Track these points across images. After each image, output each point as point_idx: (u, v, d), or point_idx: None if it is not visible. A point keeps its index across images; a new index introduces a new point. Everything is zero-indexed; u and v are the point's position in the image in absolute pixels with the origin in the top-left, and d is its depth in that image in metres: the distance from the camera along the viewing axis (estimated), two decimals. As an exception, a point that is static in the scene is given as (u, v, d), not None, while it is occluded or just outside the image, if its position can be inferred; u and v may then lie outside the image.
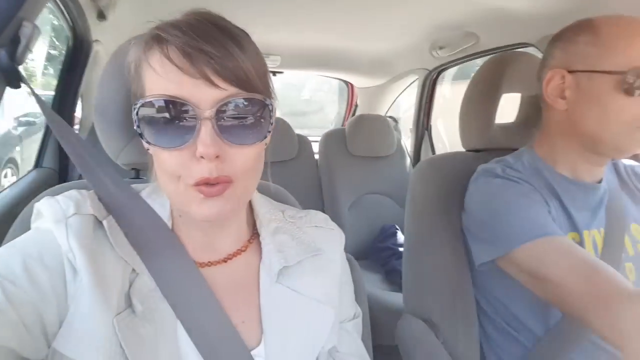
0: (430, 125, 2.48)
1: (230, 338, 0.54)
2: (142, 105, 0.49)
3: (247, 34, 0.54)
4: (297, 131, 2.32)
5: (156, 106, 0.48)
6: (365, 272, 2.06)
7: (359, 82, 2.80)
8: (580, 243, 0.82)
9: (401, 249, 2.09)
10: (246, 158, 0.51)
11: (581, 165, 0.86)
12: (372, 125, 2.30)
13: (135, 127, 0.50)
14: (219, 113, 0.48)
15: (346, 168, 2.29)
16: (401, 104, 2.94)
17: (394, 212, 2.33)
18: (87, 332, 0.46)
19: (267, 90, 0.54)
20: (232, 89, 0.48)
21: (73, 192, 0.55)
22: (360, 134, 2.28)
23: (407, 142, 2.66)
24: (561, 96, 0.83)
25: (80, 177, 1.85)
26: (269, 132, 0.53)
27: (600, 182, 0.89)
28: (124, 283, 0.51)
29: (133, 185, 0.62)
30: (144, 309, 0.50)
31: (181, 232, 0.59)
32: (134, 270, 0.53)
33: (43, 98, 0.65)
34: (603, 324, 0.63)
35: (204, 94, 0.47)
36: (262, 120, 0.51)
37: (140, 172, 0.79)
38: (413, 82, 2.53)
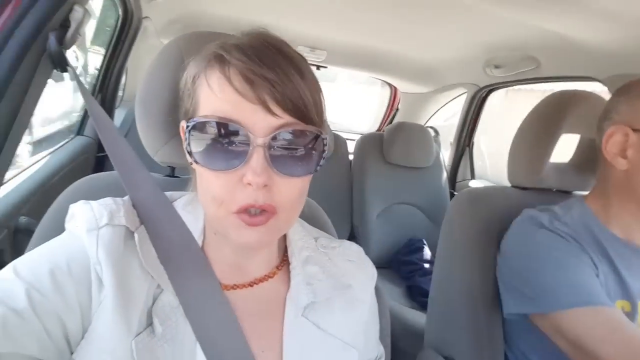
0: (473, 143, 2.41)
1: None
2: (196, 123, 0.48)
3: (305, 60, 0.52)
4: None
5: (210, 126, 0.47)
6: (385, 283, 2.04)
7: (404, 87, 2.74)
8: (632, 312, 0.77)
9: (426, 265, 2.06)
10: (293, 189, 0.50)
11: (637, 229, 0.80)
12: (411, 134, 2.24)
13: (185, 146, 0.49)
14: (273, 141, 0.47)
15: (380, 174, 2.25)
16: (442, 112, 2.86)
17: (424, 226, 2.28)
18: (104, 351, 0.46)
19: (321, 122, 0.52)
20: (288, 118, 0.47)
21: (108, 200, 0.54)
22: (398, 142, 2.23)
23: (445, 153, 2.59)
24: (622, 155, 0.78)
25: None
26: (320, 165, 0.52)
27: None
28: (147, 299, 0.50)
29: (168, 194, 0.61)
30: (164, 328, 0.50)
31: (211, 250, 0.58)
32: (159, 285, 0.52)
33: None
34: None
35: (260, 121, 0.46)
36: (314, 152, 0.50)
37: (175, 170, 0.78)
38: (460, 95, 2.45)
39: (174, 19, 1.81)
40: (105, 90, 1.81)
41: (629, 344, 0.65)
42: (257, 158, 0.46)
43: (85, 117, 1.82)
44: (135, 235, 0.53)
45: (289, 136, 0.48)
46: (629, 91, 0.80)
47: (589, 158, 1.05)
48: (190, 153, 0.49)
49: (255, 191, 0.47)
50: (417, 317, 1.73)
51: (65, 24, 0.64)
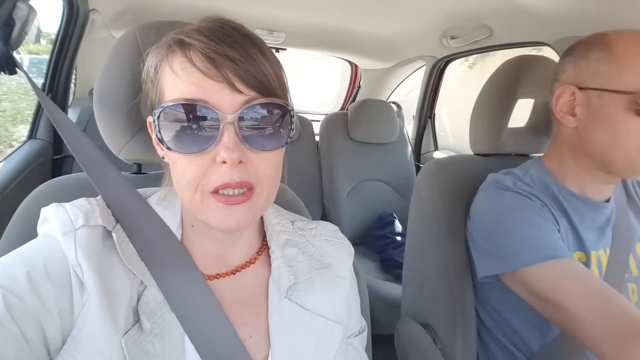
0: (434, 114, 2.45)
1: (237, 353, 0.53)
2: (164, 108, 0.47)
3: (263, 41, 0.53)
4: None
5: (178, 110, 0.47)
6: (360, 259, 2.07)
7: (364, 64, 2.74)
8: (587, 263, 0.81)
9: (398, 238, 2.10)
10: (267, 164, 0.51)
11: (590, 183, 0.84)
12: (375, 111, 2.26)
13: (155, 133, 0.49)
14: (241, 118, 0.47)
15: (347, 153, 2.27)
16: (403, 86, 2.89)
17: (393, 200, 2.32)
18: (94, 351, 0.46)
19: (286, 96, 0.53)
20: (253, 94, 0.48)
21: (82, 201, 0.53)
22: (363, 119, 2.25)
23: (409, 127, 2.62)
24: (571, 113, 0.81)
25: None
26: (290, 137, 0.52)
27: (608, 200, 0.87)
28: (132, 297, 0.50)
29: (141, 191, 0.60)
30: (152, 324, 0.50)
31: (191, 243, 0.58)
32: (142, 282, 0.52)
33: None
34: (616, 358, 0.63)
35: (227, 99, 0.47)
36: (283, 125, 0.51)
37: (142, 166, 0.77)
38: (419, 68, 2.48)
39: (123, 9, 1.73)
40: (55, 89, 1.73)
41: (592, 293, 0.69)
42: (228, 135, 0.46)
43: (37, 119, 1.74)
44: (113, 234, 0.52)
45: (256, 111, 0.48)
46: (572, 52, 0.82)
47: (543, 121, 1.09)
48: (161, 141, 0.48)
49: (230, 169, 0.47)
50: (392, 289, 1.78)
51: (9, 23, 0.60)
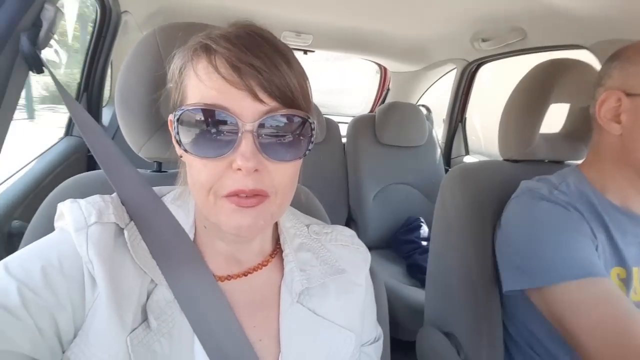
0: (465, 118, 2.40)
1: (247, 356, 0.53)
2: (185, 112, 0.48)
3: (291, 49, 0.52)
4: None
5: (198, 114, 0.47)
6: (385, 263, 2.05)
7: (393, 66, 2.71)
8: (627, 279, 0.77)
9: (424, 243, 2.07)
10: (283, 174, 0.50)
11: (633, 195, 0.80)
12: (403, 114, 2.23)
13: (174, 135, 0.49)
14: (261, 127, 0.47)
15: (374, 156, 2.25)
16: (434, 89, 2.84)
17: (421, 204, 2.28)
18: (100, 348, 0.46)
19: (308, 108, 0.53)
20: (275, 104, 0.48)
21: (97, 198, 0.54)
22: (390, 122, 2.22)
23: (439, 131, 2.58)
24: (616, 120, 0.77)
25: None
26: (309, 150, 0.52)
27: None
28: (141, 295, 0.51)
29: (156, 189, 0.61)
30: (159, 323, 0.50)
31: (203, 243, 0.58)
32: (152, 280, 0.52)
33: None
34: None
35: (248, 107, 0.47)
36: (302, 137, 0.51)
37: (162, 164, 0.78)
38: (450, 71, 2.43)
39: (155, 11, 1.77)
40: (90, 89, 1.78)
41: (607, 321, 0.65)
42: (246, 143, 0.46)
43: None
44: (125, 232, 0.53)
45: (276, 122, 0.48)
46: (620, 56, 0.79)
47: (579, 127, 1.04)
48: (179, 142, 0.49)
49: (245, 177, 0.47)
50: (417, 295, 1.75)
51: (37, 24, 0.62)
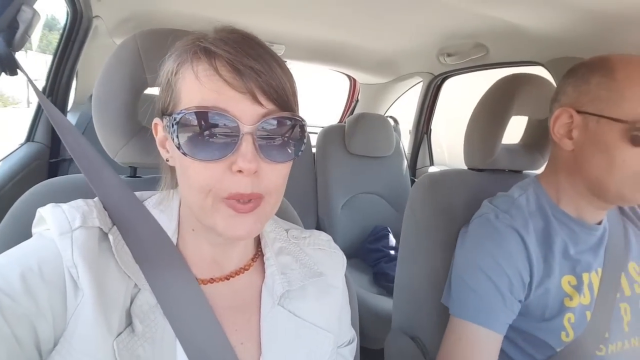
0: (430, 130, 2.47)
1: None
2: (184, 115, 0.48)
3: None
4: None
5: (198, 116, 0.47)
6: (353, 272, 2.07)
7: (363, 78, 2.77)
8: (578, 286, 0.81)
9: (391, 252, 2.10)
10: (278, 175, 0.52)
11: (585, 206, 0.84)
12: (372, 124, 2.28)
13: (173, 137, 0.49)
14: (259, 129, 0.48)
15: (343, 165, 2.28)
16: (400, 100, 2.92)
17: (387, 214, 2.33)
18: (86, 353, 0.45)
19: (297, 111, 0.55)
20: (272, 107, 0.49)
21: (80, 202, 0.53)
22: (359, 133, 2.26)
23: (405, 142, 2.65)
24: (568, 136, 0.80)
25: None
26: (302, 150, 0.54)
27: (600, 222, 0.87)
28: (125, 299, 0.50)
29: (137, 194, 0.60)
30: (144, 327, 0.50)
31: (187, 247, 0.58)
32: (136, 285, 0.52)
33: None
34: None
35: (248, 110, 0.48)
36: (296, 138, 0.53)
37: (137, 170, 0.77)
38: (416, 84, 2.51)
39: (126, 17, 1.75)
40: (55, 93, 1.73)
41: None
42: (246, 145, 0.47)
43: (35, 122, 1.74)
44: (110, 236, 0.52)
45: (273, 124, 0.50)
46: (575, 74, 0.81)
47: (537, 139, 1.11)
48: (178, 146, 0.49)
49: (244, 179, 0.48)
50: (384, 303, 1.78)
51: (13, 25, 0.62)
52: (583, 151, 0.78)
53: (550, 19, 1.10)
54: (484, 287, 0.80)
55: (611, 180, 0.75)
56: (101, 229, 0.52)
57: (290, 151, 0.52)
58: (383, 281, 1.98)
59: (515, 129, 1.11)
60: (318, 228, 2.31)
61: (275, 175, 0.51)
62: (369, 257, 2.15)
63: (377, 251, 2.14)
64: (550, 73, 1.30)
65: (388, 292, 1.92)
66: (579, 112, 0.78)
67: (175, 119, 0.48)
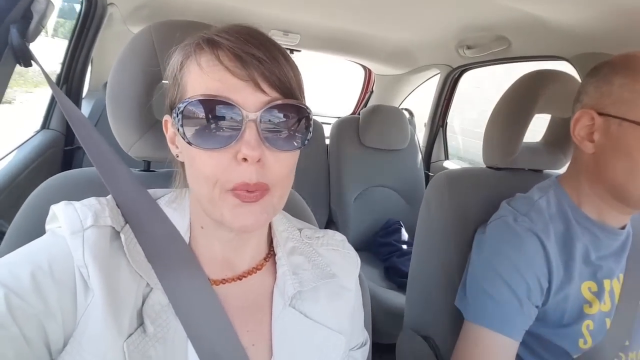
0: (447, 123, 2.43)
1: None
2: (188, 104, 0.48)
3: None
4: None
5: (202, 106, 0.48)
6: (364, 265, 2.05)
7: (378, 69, 2.73)
8: (598, 293, 0.79)
9: (403, 246, 2.09)
10: (284, 164, 0.51)
11: (607, 211, 0.81)
12: (387, 117, 2.25)
13: (177, 127, 0.49)
14: (263, 117, 0.48)
15: (356, 158, 2.26)
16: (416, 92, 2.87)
17: (400, 207, 2.31)
18: (95, 354, 0.45)
19: (303, 98, 0.54)
20: (275, 95, 0.49)
21: (92, 200, 0.53)
22: (374, 125, 2.23)
23: (420, 135, 2.61)
24: (589, 139, 0.77)
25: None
26: (308, 140, 0.53)
27: (624, 227, 0.84)
28: (137, 299, 0.50)
29: (151, 191, 0.60)
30: (155, 327, 0.50)
31: (198, 246, 0.58)
32: (148, 284, 0.52)
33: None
34: None
35: (251, 97, 0.48)
36: (301, 127, 0.52)
37: (150, 164, 0.77)
38: (433, 76, 2.47)
39: (141, 4, 1.74)
40: (70, 81, 1.74)
41: None
42: (249, 132, 0.47)
43: (50, 109, 1.75)
44: (122, 235, 0.52)
45: (277, 112, 0.49)
46: (597, 73, 0.78)
47: (559, 137, 1.07)
48: (183, 136, 0.49)
49: (249, 167, 0.47)
50: (395, 298, 1.77)
51: (27, 16, 0.61)
52: (604, 154, 0.76)
53: (577, 13, 1.06)
54: (501, 293, 0.78)
55: (633, 184, 0.73)
56: (113, 228, 0.52)
57: (294, 140, 0.52)
58: (394, 276, 1.97)
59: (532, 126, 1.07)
60: (330, 220, 2.31)
61: (280, 165, 0.51)
62: (380, 251, 2.14)
63: (388, 245, 2.13)
64: (575, 69, 1.26)
65: (399, 286, 1.91)
66: (600, 114, 0.75)
67: (179, 109, 0.48)
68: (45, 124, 1.75)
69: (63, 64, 1.72)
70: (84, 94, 1.95)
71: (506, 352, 0.77)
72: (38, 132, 1.72)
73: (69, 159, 1.80)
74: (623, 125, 0.72)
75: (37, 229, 0.53)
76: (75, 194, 0.53)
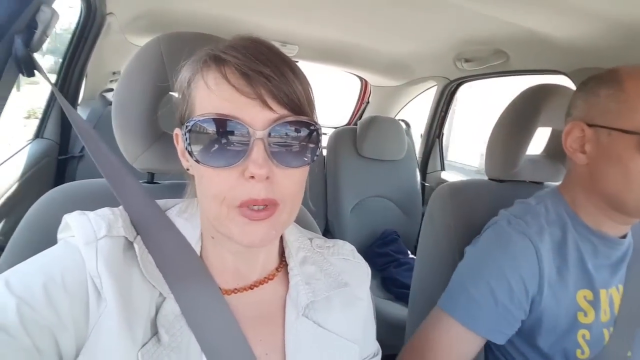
0: (443, 134, 2.44)
1: None
2: (195, 123, 0.48)
3: (293, 60, 0.53)
4: None
5: (209, 124, 0.47)
6: (361, 276, 2.04)
7: (375, 80, 2.74)
8: (594, 302, 0.79)
9: (400, 257, 2.08)
10: (293, 181, 0.51)
11: (605, 220, 0.81)
12: (384, 128, 2.26)
13: (185, 145, 0.49)
14: (271, 134, 0.48)
15: (353, 168, 2.26)
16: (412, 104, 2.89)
17: (397, 218, 2.31)
18: None
19: (313, 115, 0.54)
20: (283, 112, 0.48)
21: (106, 211, 0.53)
22: (371, 136, 2.24)
23: (416, 145, 2.62)
24: (581, 150, 0.79)
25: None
26: (317, 155, 0.52)
27: (625, 236, 0.84)
28: (150, 308, 0.50)
29: (161, 202, 0.60)
30: (170, 337, 0.49)
31: (210, 256, 0.58)
32: (161, 294, 0.51)
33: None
34: None
35: (258, 115, 0.47)
36: (310, 143, 0.51)
37: (154, 176, 0.76)
38: (430, 88, 2.48)
39: (140, 14, 1.74)
40: (66, 89, 1.73)
41: None
42: (257, 150, 0.47)
43: (44, 118, 1.73)
44: (135, 245, 0.52)
45: (285, 129, 0.49)
46: (585, 87, 0.81)
47: (560, 149, 1.08)
48: (191, 153, 0.49)
49: (257, 185, 0.47)
50: (392, 308, 1.76)
51: (32, 26, 0.60)
52: (597, 165, 0.77)
53: (575, 28, 1.08)
54: (478, 289, 0.79)
55: (628, 193, 0.74)
56: (126, 238, 0.52)
57: (304, 156, 0.51)
58: (392, 286, 1.96)
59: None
60: (327, 230, 2.30)
61: (289, 181, 0.50)
62: (377, 261, 2.13)
63: (385, 255, 2.12)
64: (574, 83, 1.27)
65: (396, 297, 1.91)
66: (590, 125, 0.77)
67: (187, 127, 0.48)
68: (38, 133, 1.73)
69: (59, 72, 1.71)
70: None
71: (466, 345, 0.79)
72: (32, 140, 1.70)
73: (62, 169, 1.78)
74: (612, 134, 0.73)
75: (40, 239, 0.52)
76: (80, 205, 0.53)
